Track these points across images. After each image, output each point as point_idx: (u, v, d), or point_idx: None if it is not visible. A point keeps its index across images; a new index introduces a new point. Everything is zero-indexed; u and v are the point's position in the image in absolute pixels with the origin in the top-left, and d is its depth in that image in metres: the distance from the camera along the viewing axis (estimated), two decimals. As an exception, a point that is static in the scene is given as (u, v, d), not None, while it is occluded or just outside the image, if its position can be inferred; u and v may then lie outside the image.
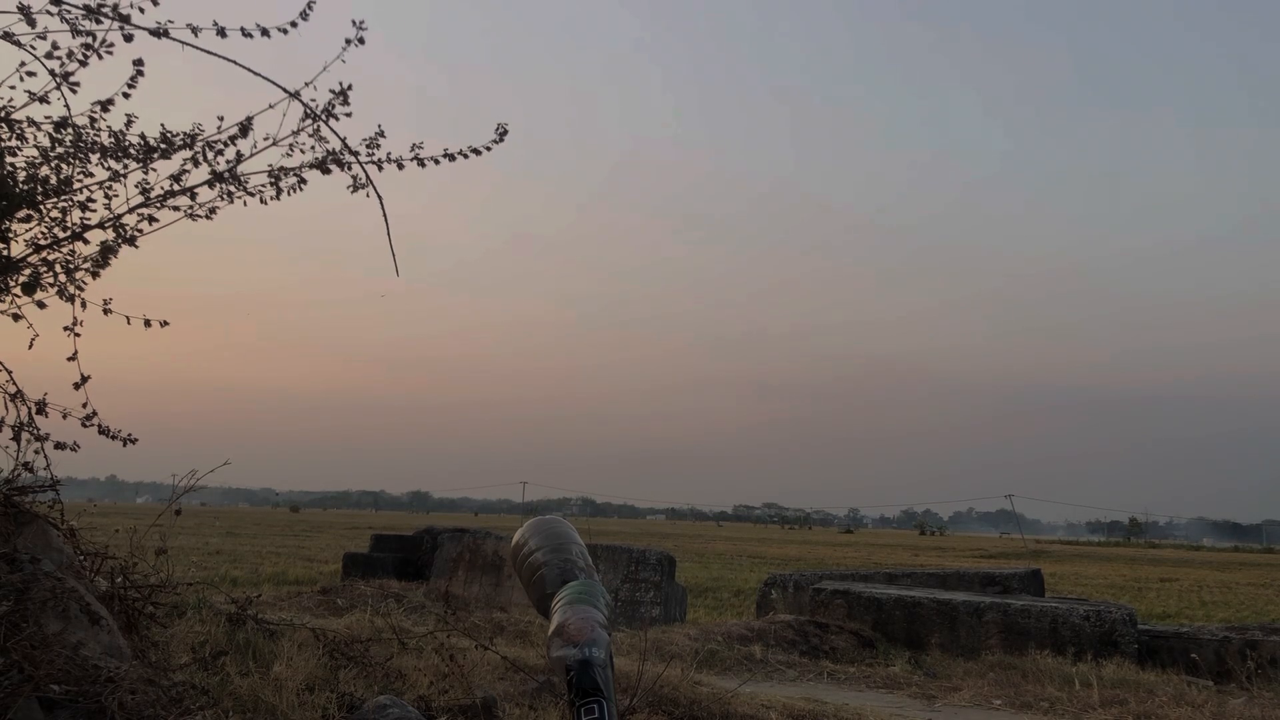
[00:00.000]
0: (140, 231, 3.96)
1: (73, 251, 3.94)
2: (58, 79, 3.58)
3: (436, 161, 3.96)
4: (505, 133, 3.97)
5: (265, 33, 3.57)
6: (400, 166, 3.93)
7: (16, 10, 3.36)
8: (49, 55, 3.54)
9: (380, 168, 3.92)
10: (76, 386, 3.88)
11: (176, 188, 3.93)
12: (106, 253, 3.93)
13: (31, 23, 3.43)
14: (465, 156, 4.00)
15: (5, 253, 3.80)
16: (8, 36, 3.46)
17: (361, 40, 3.70)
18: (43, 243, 3.88)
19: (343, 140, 3.87)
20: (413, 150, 3.91)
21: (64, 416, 3.85)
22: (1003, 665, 8.96)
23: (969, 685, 8.16)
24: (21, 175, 3.73)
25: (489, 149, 4.00)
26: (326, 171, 3.92)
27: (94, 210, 3.90)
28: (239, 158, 3.89)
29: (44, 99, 3.63)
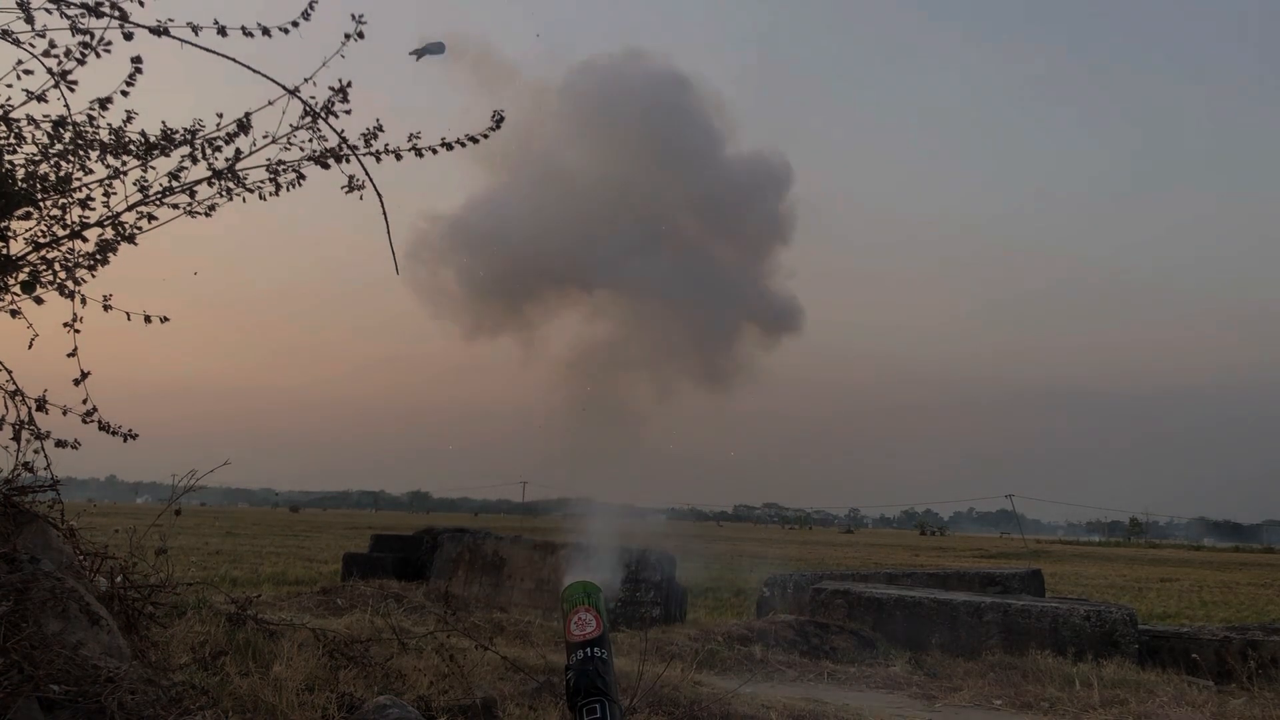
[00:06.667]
0: (139, 229, 3.95)
1: (72, 249, 3.93)
2: (56, 77, 3.57)
3: (434, 151, 3.94)
4: (501, 120, 3.96)
5: (266, 32, 3.56)
6: (398, 157, 3.92)
7: (16, 6, 3.34)
8: (47, 54, 3.53)
9: (379, 159, 3.91)
10: (76, 383, 3.87)
11: (175, 185, 3.92)
12: (105, 250, 3.92)
13: (30, 20, 3.42)
14: (463, 145, 3.99)
15: (4, 251, 3.79)
16: (6, 35, 3.45)
17: (361, 35, 3.69)
18: (42, 240, 3.87)
19: (340, 136, 3.86)
20: (410, 140, 3.90)
21: (64, 413, 3.84)
22: (1003, 665, 8.95)
23: (969, 685, 8.15)
24: (20, 173, 3.72)
25: (485, 136, 3.99)
26: (325, 166, 3.91)
27: (93, 208, 3.90)
28: (238, 155, 3.88)
29: (42, 98, 3.62)
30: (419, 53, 3.99)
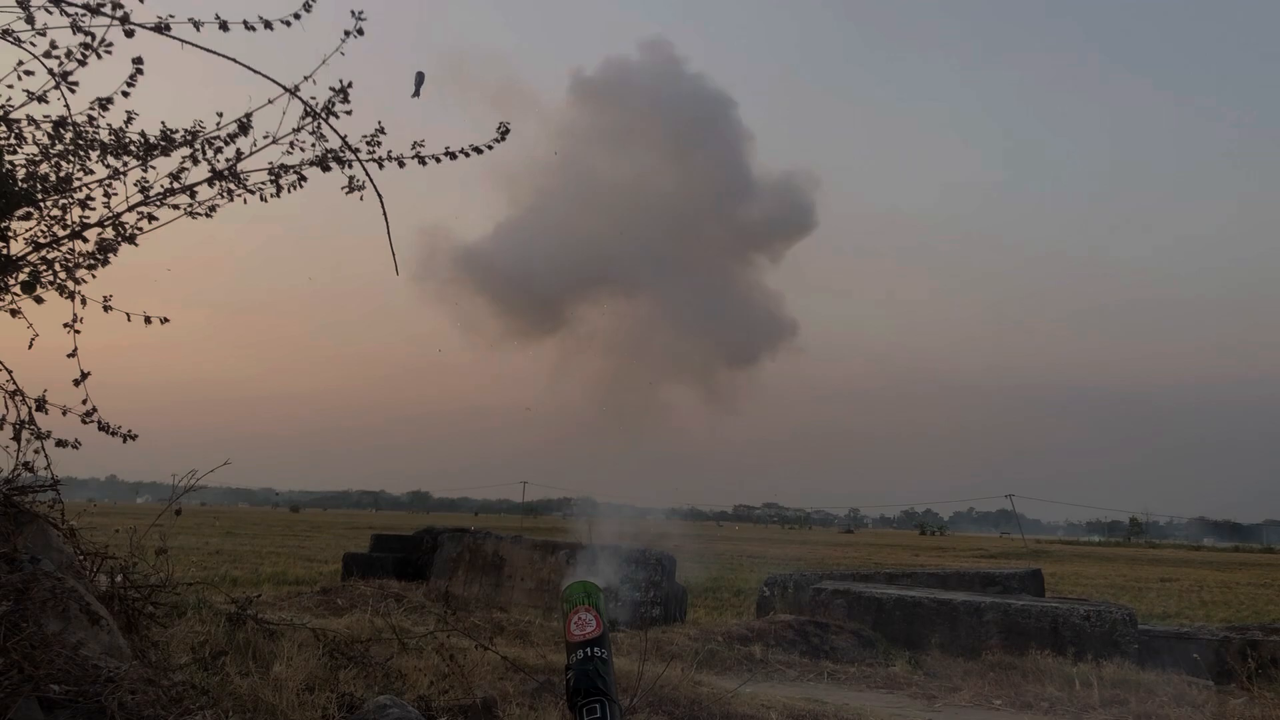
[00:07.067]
0: (140, 229, 3.95)
1: (72, 249, 3.93)
2: (56, 78, 3.57)
3: (438, 160, 3.94)
4: (507, 132, 3.96)
5: (268, 25, 3.55)
6: (401, 164, 3.91)
7: (16, 5, 3.34)
8: (48, 54, 3.53)
9: (381, 165, 3.90)
10: (76, 383, 3.87)
11: (176, 185, 3.91)
12: (106, 250, 3.92)
13: (31, 20, 3.42)
14: (467, 155, 3.98)
15: (5, 251, 3.79)
16: (7, 35, 3.45)
17: (360, 32, 3.68)
18: (42, 241, 3.87)
19: (343, 138, 3.86)
20: (414, 148, 3.89)
21: (64, 413, 3.84)
22: (1003, 665, 8.95)
23: (969, 685, 8.15)
24: (21, 173, 3.72)
25: (490, 147, 3.99)
26: (326, 169, 3.91)
27: (93, 208, 3.89)
28: (239, 155, 3.88)
29: (42, 98, 3.62)
30: (416, 94, 4.03)
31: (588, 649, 2.76)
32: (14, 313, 3.80)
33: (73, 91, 3.61)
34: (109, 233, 3.93)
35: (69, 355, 3.86)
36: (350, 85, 3.75)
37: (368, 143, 3.89)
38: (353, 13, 3.66)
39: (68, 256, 3.94)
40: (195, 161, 3.89)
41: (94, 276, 3.97)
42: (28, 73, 3.55)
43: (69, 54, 3.54)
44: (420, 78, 3.94)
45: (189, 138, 3.85)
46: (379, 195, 3.97)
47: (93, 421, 3.91)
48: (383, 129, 3.88)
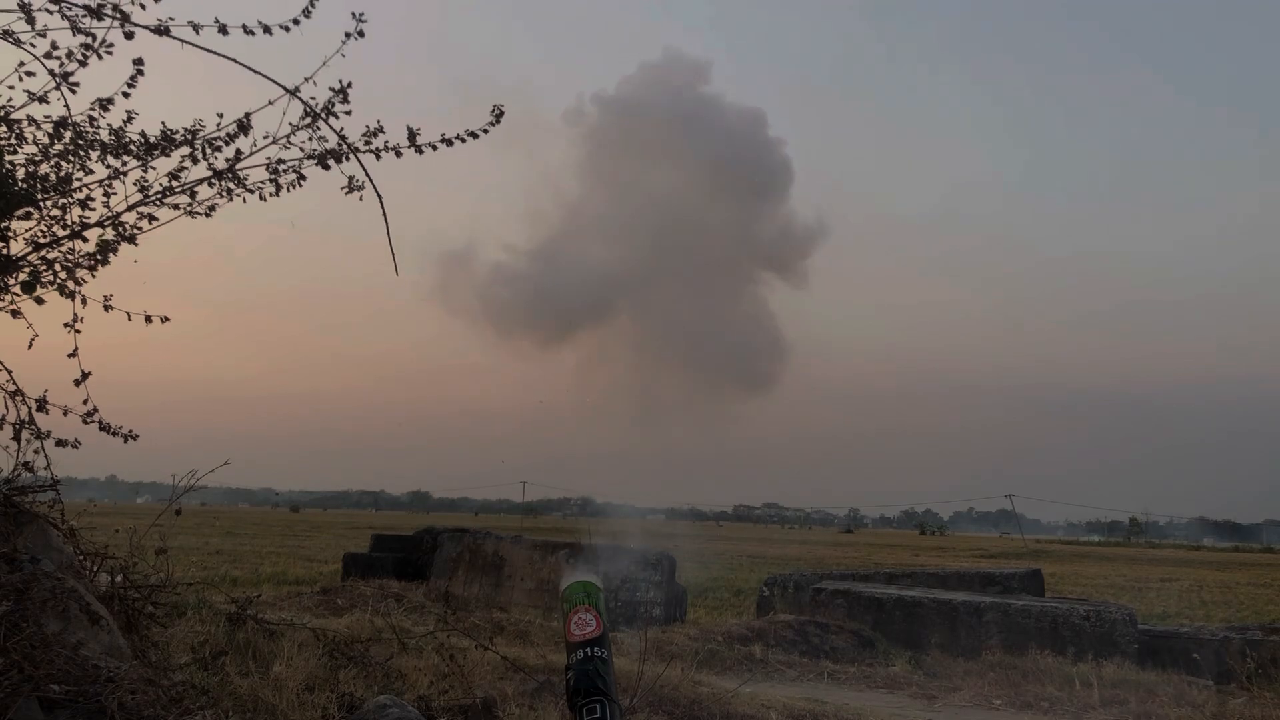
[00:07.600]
0: (140, 229, 3.95)
1: (72, 249, 3.94)
2: (57, 79, 3.57)
3: (434, 147, 3.93)
4: (501, 115, 3.95)
5: (267, 30, 3.56)
6: (398, 154, 3.90)
7: (17, 8, 3.35)
8: (48, 55, 3.54)
9: (379, 157, 3.90)
10: (77, 383, 3.88)
11: (176, 185, 3.92)
12: (106, 250, 3.92)
13: (31, 21, 3.42)
14: (463, 140, 3.98)
15: (5, 251, 3.80)
16: (7, 35, 3.45)
17: (361, 34, 3.69)
18: (42, 241, 3.88)
19: (340, 136, 3.86)
20: (410, 136, 3.88)
21: (64, 413, 3.85)
22: (1003, 665, 8.95)
23: (969, 685, 8.15)
24: (21, 173, 3.72)
25: (485, 131, 3.98)
26: (325, 166, 3.91)
27: (93, 208, 3.90)
28: (238, 155, 3.88)
29: (43, 99, 3.62)
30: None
31: (588, 649, 2.76)
32: (15, 314, 3.81)
33: (73, 92, 3.62)
34: (109, 233, 3.94)
35: (69, 355, 3.87)
36: (350, 85, 3.75)
37: (365, 139, 3.89)
38: (353, 14, 3.67)
39: (68, 256, 3.95)
40: (195, 161, 3.90)
41: (94, 276, 3.97)
42: (29, 73, 3.56)
43: (69, 55, 3.54)
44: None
45: (189, 137, 3.85)
46: (378, 194, 3.97)
47: (94, 421, 3.91)
48: (380, 126, 3.88)
